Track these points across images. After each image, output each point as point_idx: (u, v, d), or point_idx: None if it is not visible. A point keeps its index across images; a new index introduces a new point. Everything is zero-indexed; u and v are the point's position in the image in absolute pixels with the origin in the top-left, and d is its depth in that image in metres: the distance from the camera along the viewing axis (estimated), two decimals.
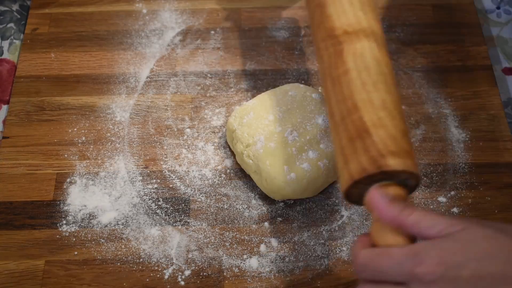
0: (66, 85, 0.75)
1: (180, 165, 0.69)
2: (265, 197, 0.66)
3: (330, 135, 0.64)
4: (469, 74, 0.76)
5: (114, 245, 0.64)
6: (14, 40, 0.81)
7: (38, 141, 0.71)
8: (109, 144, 0.71)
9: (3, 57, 0.80)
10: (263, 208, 0.66)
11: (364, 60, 0.51)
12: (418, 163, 0.69)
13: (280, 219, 0.65)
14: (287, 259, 0.63)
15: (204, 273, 0.62)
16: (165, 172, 0.69)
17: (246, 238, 0.64)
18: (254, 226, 0.65)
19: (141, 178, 0.68)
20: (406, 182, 0.47)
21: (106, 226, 0.65)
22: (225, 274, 0.62)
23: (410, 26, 0.81)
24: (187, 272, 0.62)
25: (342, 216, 0.66)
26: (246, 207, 0.66)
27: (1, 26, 0.82)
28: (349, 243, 0.64)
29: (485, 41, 0.79)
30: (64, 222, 0.65)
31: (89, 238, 0.64)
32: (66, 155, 0.69)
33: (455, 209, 0.66)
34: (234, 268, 0.62)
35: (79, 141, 0.71)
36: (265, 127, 0.65)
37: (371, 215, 0.50)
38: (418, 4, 0.83)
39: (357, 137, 0.48)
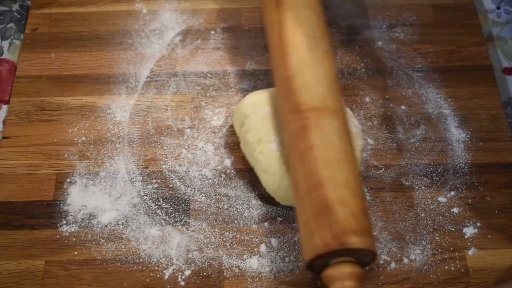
0: (66, 85, 0.75)
1: (180, 165, 0.69)
2: (265, 197, 0.66)
3: None
4: (469, 74, 0.76)
5: (114, 245, 0.64)
6: (14, 40, 0.81)
7: (38, 141, 0.71)
8: (109, 144, 0.71)
9: (3, 57, 0.80)
10: (263, 208, 0.66)
11: (329, 137, 0.54)
12: (418, 163, 0.69)
13: (280, 219, 0.65)
14: (287, 259, 0.63)
15: (204, 273, 0.62)
16: (165, 172, 0.69)
17: (246, 238, 0.64)
18: (254, 226, 0.65)
19: (141, 178, 0.68)
20: (363, 258, 0.53)
21: (106, 226, 0.65)
22: (225, 274, 0.62)
23: (410, 26, 0.81)
24: (187, 272, 0.62)
25: None
26: (246, 207, 0.66)
27: (1, 26, 0.82)
28: None
29: (485, 41, 0.80)
30: (64, 222, 0.65)
31: (89, 238, 0.64)
32: (66, 155, 0.70)
33: (455, 209, 0.66)
34: (234, 268, 0.62)
35: (79, 141, 0.71)
36: (279, 133, 0.63)
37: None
38: (418, 4, 0.83)
39: (322, 213, 0.51)
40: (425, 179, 0.68)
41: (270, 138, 0.64)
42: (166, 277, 0.62)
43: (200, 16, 0.82)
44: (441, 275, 0.62)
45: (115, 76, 0.76)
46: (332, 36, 0.79)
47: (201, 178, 0.68)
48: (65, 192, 0.67)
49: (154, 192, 0.67)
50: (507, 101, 0.77)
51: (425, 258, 0.63)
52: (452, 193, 0.67)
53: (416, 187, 0.68)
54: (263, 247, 0.64)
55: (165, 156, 0.70)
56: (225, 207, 0.66)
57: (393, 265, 0.63)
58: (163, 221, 0.65)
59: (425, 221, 0.65)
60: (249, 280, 0.62)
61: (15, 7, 0.84)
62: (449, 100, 0.74)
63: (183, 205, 0.66)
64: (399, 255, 0.63)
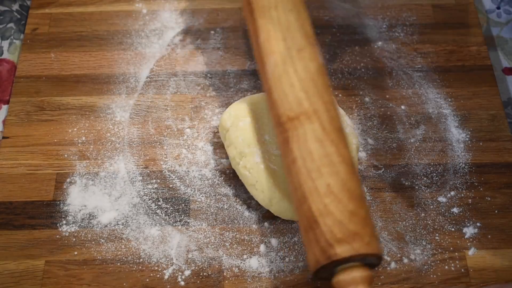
0: (66, 85, 0.75)
1: (180, 165, 0.69)
2: None
3: None
4: (469, 74, 0.76)
5: (114, 245, 0.64)
6: (14, 40, 0.81)
7: (38, 141, 0.71)
8: (109, 144, 0.71)
9: (3, 57, 0.80)
10: (263, 208, 0.66)
11: (307, 145, 0.52)
12: (418, 163, 0.69)
13: (280, 219, 0.65)
14: (287, 259, 0.63)
15: (204, 273, 0.62)
16: (165, 172, 0.69)
17: (246, 238, 0.64)
18: (254, 226, 0.65)
19: (141, 178, 0.68)
20: (369, 260, 0.50)
21: (106, 226, 0.65)
22: (225, 274, 0.62)
23: (410, 26, 0.81)
24: (187, 272, 0.62)
25: None
26: (246, 207, 0.66)
27: (1, 26, 0.82)
28: None
29: (485, 41, 0.80)
30: (64, 222, 0.65)
31: (89, 238, 0.64)
32: (66, 155, 0.69)
33: (455, 209, 0.66)
34: (234, 268, 0.62)
35: (79, 141, 0.71)
36: (262, 145, 0.63)
37: None
38: (418, 4, 0.83)
39: (309, 228, 0.50)
40: (425, 179, 0.68)
41: (252, 151, 0.62)
42: (166, 277, 0.62)
43: (200, 16, 0.82)
44: (441, 275, 0.62)
45: (115, 76, 0.76)
46: (332, 36, 0.79)
47: (201, 178, 0.68)
48: (65, 192, 0.67)
49: (154, 192, 0.67)
50: (507, 101, 0.77)
51: (425, 258, 0.63)
52: (452, 193, 0.67)
53: (416, 187, 0.68)
54: (263, 247, 0.64)
55: (165, 156, 0.70)
56: (225, 207, 0.66)
57: (393, 265, 0.63)
58: (163, 221, 0.65)
59: (425, 221, 0.65)
60: (249, 280, 0.62)
61: (15, 7, 0.84)
62: (449, 100, 0.74)
63: (183, 205, 0.66)
64: (399, 255, 0.63)
